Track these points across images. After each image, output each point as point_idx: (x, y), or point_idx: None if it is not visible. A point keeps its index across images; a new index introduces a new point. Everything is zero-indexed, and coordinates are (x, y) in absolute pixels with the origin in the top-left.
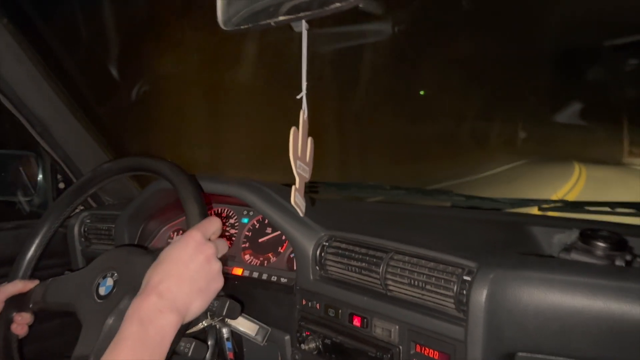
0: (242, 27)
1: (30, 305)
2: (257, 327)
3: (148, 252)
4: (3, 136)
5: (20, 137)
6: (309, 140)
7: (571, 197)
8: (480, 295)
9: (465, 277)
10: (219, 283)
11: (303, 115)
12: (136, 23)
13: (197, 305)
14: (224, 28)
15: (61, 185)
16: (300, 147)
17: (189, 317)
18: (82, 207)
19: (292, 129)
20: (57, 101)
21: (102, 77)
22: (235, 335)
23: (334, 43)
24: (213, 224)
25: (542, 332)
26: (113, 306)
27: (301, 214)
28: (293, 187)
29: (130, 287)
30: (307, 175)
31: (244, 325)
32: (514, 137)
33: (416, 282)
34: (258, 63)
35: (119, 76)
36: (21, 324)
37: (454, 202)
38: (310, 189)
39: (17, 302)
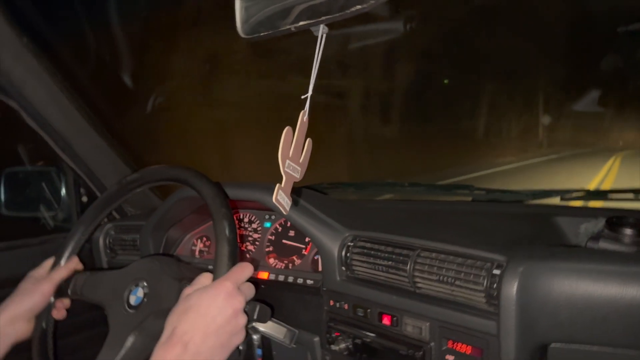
0: (261, 34)
1: (69, 293)
2: (285, 329)
3: (178, 278)
4: (26, 153)
5: (43, 153)
6: (307, 141)
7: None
8: (511, 289)
9: (495, 271)
10: (240, 337)
11: (303, 116)
12: (151, 37)
13: (217, 359)
14: (243, 36)
15: (84, 199)
16: (293, 147)
17: None
18: (105, 220)
19: (286, 129)
20: (78, 117)
21: (120, 91)
22: (264, 339)
23: (345, 41)
24: (245, 272)
25: (575, 322)
26: (138, 321)
27: (285, 213)
28: (277, 185)
29: (156, 306)
30: (297, 176)
31: (272, 329)
32: (540, 131)
33: (445, 279)
34: (274, 71)
35: (136, 89)
36: (61, 309)
37: (474, 197)
38: (329, 189)
39: (58, 289)
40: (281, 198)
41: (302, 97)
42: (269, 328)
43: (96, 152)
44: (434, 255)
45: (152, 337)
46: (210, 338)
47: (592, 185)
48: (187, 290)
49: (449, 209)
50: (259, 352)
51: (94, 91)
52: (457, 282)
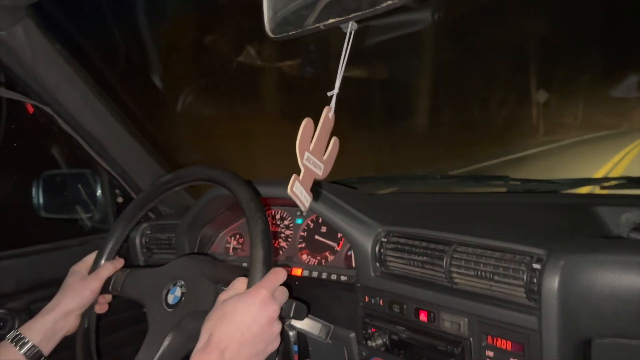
0: (289, 33)
1: (110, 289)
2: (320, 325)
3: (214, 280)
4: (62, 157)
5: (78, 157)
6: (333, 139)
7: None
8: (553, 283)
9: (535, 265)
10: (275, 345)
11: (328, 112)
12: (180, 37)
13: None
14: (272, 36)
15: (120, 200)
16: (315, 141)
17: None
18: (141, 219)
19: (306, 120)
20: (111, 120)
21: (151, 93)
22: (300, 335)
23: (369, 32)
24: (279, 278)
25: (620, 316)
26: (176, 321)
27: (303, 208)
28: (294, 176)
29: (193, 306)
30: (319, 172)
31: (307, 325)
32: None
33: (483, 274)
34: (301, 67)
35: (167, 90)
36: (103, 304)
37: (509, 187)
38: (358, 184)
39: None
40: (298, 190)
41: (328, 94)
42: (304, 324)
43: (130, 154)
44: (470, 250)
45: (189, 336)
46: (245, 346)
47: (601, 172)
48: (223, 296)
49: (483, 201)
50: (295, 348)
51: (126, 94)
52: (496, 277)
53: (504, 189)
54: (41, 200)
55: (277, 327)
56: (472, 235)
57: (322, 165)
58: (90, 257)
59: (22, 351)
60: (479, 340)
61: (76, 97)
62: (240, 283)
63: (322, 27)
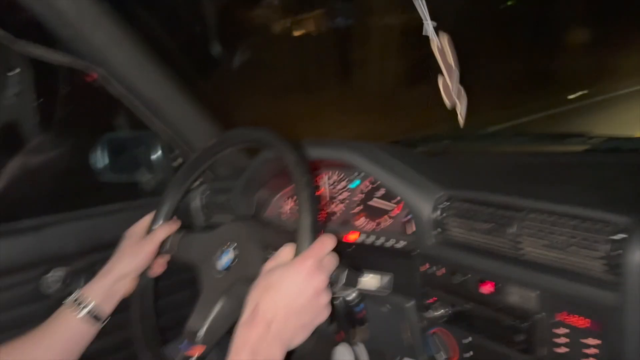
0: None
1: (165, 251)
2: (379, 276)
3: (263, 245)
4: (119, 119)
5: (134, 119)
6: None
7: None
8: (638, 257)
9: (618, 236)
10: (323, 316)
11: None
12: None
13: (298, 339)
14: None
15: (178, 162)
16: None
17: (290, 349)
18: (200, 180)
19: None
20: (164, 81)
21: (204, 53)
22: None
23: None
24: (327, 246)
25: None
26: (227, 286)
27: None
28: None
29: (243, 271)
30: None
31: (365, 284)
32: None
33: (557, 244)
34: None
35: (220, 49)
36: (159, 266)
37: (590, 146)
38: (420, 143)
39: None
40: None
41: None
42: (362, 284)
43: (185, 115)
44: (543, 217)
45: (239, 302)
46: (292, 318)
47: None
48: (269, 264)
49: (560, 162)
50: (358, 309)
51: (178, 55)
52: (572, 248)
53: (583, 147)
54: (104, 164)
55: (325, 297)
56: (546, 201)
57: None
58: (146, 220)
59: (85, 312)
60: (549, 317)
61: (126, 59)
62: (286, 251)
63: None
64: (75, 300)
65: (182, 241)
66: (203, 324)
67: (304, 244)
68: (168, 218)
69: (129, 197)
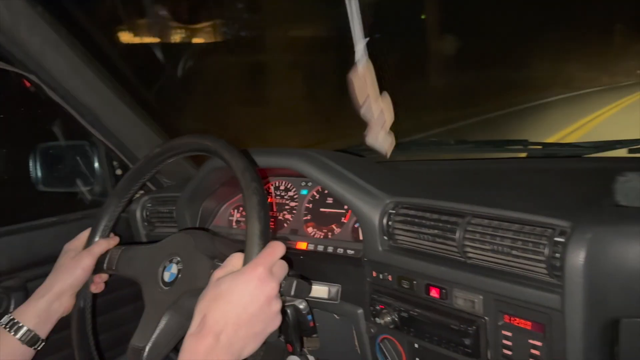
0: None
1: (105, 267)
2: (327, 287)
3: (211, 255)
4: (56, 129)
5: (72, 128)
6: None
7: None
8: (578, 258)
9: (558, 239)
10: (275, 324)
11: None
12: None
13: (249, 349)
14: None
15: (118, 172)
16: (361, 95)
17: (241, 359)
18: (142, 192)
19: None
20: (103, 88)
21: (146, 59)
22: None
23: None
24: (277, 252)
25: None
26: (173, 300)
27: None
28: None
29: (190, 284)
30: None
31: (314, 291)
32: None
33: (500, 248)
34: (297, 34)
35: (162, 56)
36: (99, 283)
37: (529, 152)
38: (366, 152)
39: (97, 263)
40: (371, 140)
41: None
42: (311, 293)
43: (125, 123)
44: (486, 222)
45: (186, 316)
46: (242, 328)
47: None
48: (218, 273)
49: (501, 168)
50: (309, 317)
51: (118, 60)
52: (514, 252)
53: (523, 154)
54: (39, 174)
55: (277, 305)
56: (488, 206)
57: (383, 117)
58: (84, 234)
59: (18, 336)
60: (495, 320)
61: (63, 64)
62: (236, 259)
63: None
64: (7, 325)
65: (122, 256)
66: (147, 341)
67: (253, 251)
68: (107, 232)
69: (66, 210)
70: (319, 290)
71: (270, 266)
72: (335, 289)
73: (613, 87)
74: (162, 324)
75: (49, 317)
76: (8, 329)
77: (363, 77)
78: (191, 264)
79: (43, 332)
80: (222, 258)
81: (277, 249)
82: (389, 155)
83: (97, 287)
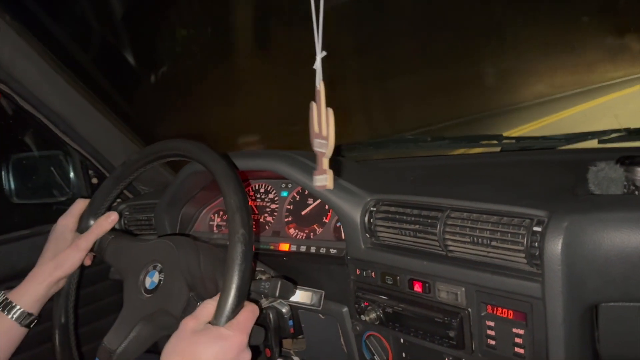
0: None
1: (95, 249)
2: (311, 293)
3: (190, 283)
4: (29, 139)
5: (45, 138)
6: (328, 111)
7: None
8: (555, 247)
9: (536, 228)
10: None
11: (319, 85)
12: (144, 5)
13: None
14: None
15: (94, 181)
16: (316, 120)
17: None
18: (119, 200)
19: (311, 105)
20: (76, 96)
21: (118, 66)
22: (293, 310)
23: None
24: (252, 318)
25: (629, 278)
26: (149, 310)
27: (331, 187)
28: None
29: (165, 303)
30: (325, 151)
31: (298, 297)
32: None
33: (479, 240)
34: (274, 37)
35: (135, 62)
36: (86, 261)
37: (503, 147)
38: (346, 151)
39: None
40: (320, 181)
41: (314, 66)
42: (295, 297)
43: (100, 131)
44: (465, 215)
45: (159, 327)
46: None
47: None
48: (188, 323)
49: (477, 162)
50: (290, 323)
51: (90, 67)
52: (494, 243)
53: (497, 149)
54: (12, 186)
55: (247, 356)
56: (466, 200)
57: (325, 142)
58: (77, 207)
59: (13, 317)
60: (478, 311)
61: (34, 73)
62: (208, 309)
63: None
64: (1, 304)
65: (111, 244)
66: (119, 345)
67: (227, 307)
68: (102, 212)
69: (43, 221)
70: (302, 295)
71: (245, 334)
72: (318, 295)
73: (583, 90)
74: (134, 332)
75: (45, 299)
76: (2, 309)
77: (319, 101)
78: (171, 281)
79: (37, 310)
80: (198, 293)
81: (255, 312)
82: (332, 186)
83: (87, 261)
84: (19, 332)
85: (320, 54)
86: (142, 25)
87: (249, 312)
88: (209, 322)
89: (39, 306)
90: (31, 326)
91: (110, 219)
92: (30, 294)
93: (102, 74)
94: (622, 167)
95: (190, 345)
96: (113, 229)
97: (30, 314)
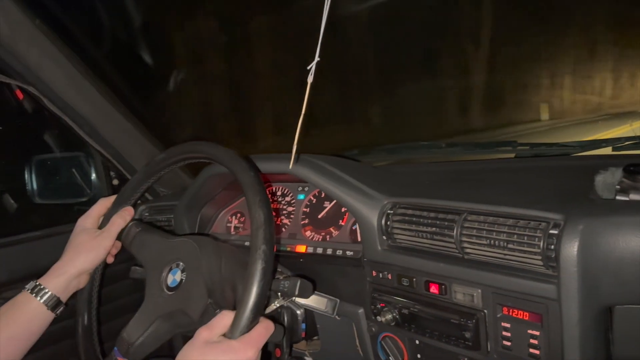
0: None
1: (121, 238)
2: (326, 300)
3: (209, 287)
4: (53, 140)
5: (68, 139)
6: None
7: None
8: (572, 249)
9: (552, 231)
10: None
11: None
12: (168, 10)
13: None
14: None
15: (115, 182)
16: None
17: None
18: (139, 201)
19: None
20: (100, 99)
21: (141, 70)
22: (308, 312)
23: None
24: (266, 334)
25: None
26: (168, 309)
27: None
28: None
29: (184, 304)
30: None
31: (313, 301)
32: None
33: (496, 242)
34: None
35: (157, 67)
36: (112, 252)
37: (517, 153)
38: (360, 156)
39: None
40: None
41: (308, 67)
42: (310, 300)
43: (122, 134)
44: (482, 218)
45: (176, 326)
46: None
47: None
48: (204, 333)
49: (491, 168)
50: (303, 326)
51: (114, 71)
52: (510, 245)
53: (512, 155)
54: (35, 186)
55: None
56: (483, 203)
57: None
58: (96, 209)
59: (44, 299)
60: (494, 312)
61: (61, 76)
62: (224, 320)
63: None
64: (33, 289)
65: (138, 236)
66: (137, 338)
67: (243, 322)
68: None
69: (64, 221)
70: (317, 301)
71: (258, 349)
72: (332, 303)
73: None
74: (153, 328)
75: (67, 292)
76: (34, 293)
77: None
78: (191, 282)
79: (62, 301)
80: (217, 301)
81: (269, 329)
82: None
83: (109, 258)
84: (47, 316)
85: (318, 55)
86: (163, 32)
87: (263, 329)
88: (223, 335)
89: (64, 294)
90: (57, 312)
91: (128, 212)
92: (51, 285)
93: (124, 77)
94: (624, 174)
95: (201, 355)
96: (141, 222)
97: (58, 299)
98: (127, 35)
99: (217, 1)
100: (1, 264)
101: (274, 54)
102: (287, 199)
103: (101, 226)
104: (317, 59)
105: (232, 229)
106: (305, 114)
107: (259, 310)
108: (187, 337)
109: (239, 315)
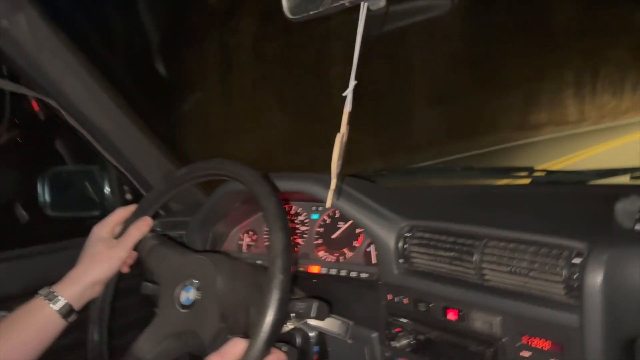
0: (310, 12)
1: (138, 249)
2: (339, 322)
3: (223, 312)
4: (69, 153)
5: (84, 152)
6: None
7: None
8: (595, 279)
9: (575, 260)
10: None
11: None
12: (188, 30)
13: None
14: (291, 17)
15: (128, 197)
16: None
17: None
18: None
19: (337, 136)
20: (119, 114)
21: (160, 87)
22: (320, 335)
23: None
24: None
25: None
26: (180, 327)
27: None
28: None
29: (196, 325)
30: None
31: (325, 323)
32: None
33: (518, 270)
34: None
35: (176, 84)
36: (127, 262)
37: (533, 179)
38: (376, 177)
39: None
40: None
41: (344, 94)
42: (322, 323)
43: (139, 149)
44: (502, 244)
45: (186, 346)
46: None
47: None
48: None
49: (507, 193)
50: (315, 349)
51: (134, 87)
52: (532, 274)
53: (527, 181)
54: (47, 199)
55: None
56: (505, 229)
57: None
58: (113, 218)
59: (57, 306)
60: (513, 341)
61: (81, 90)
62: (236, 348)
63: (347, 4)
64: (47, 296)
65: (155, 249)
66: (147, 355)
67: (255, 355)
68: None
69: (78, 234)
70: (330, 323)
71: None
72: (345, 326)
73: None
74: (163, 345)
75: (79, 302)
76: (48, 300)
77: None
78: (205, 303)
79: (76, 309)
80: (229, 326)
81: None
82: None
83: (124, 268)
84: (59, 323)
85: (353, 78)
86: (185, 50)
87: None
88: None
89: (78, 303)
90: (69, 320)
91: (146, 223)
92: (64, 293)
93: (144, 94)
94: None
95: None
96: (158, 234)
97: (71, 307)
98: (147, 51)
99: (241, 20)
100: (15, 276)
101: (292, 70)
102: (301, 218)
103: (119, 235)
104: (353, 82)
105: (245, 247)
106: (343, 143)
107: (272, 342)
108: (194, 356)
109: (252, 346)
